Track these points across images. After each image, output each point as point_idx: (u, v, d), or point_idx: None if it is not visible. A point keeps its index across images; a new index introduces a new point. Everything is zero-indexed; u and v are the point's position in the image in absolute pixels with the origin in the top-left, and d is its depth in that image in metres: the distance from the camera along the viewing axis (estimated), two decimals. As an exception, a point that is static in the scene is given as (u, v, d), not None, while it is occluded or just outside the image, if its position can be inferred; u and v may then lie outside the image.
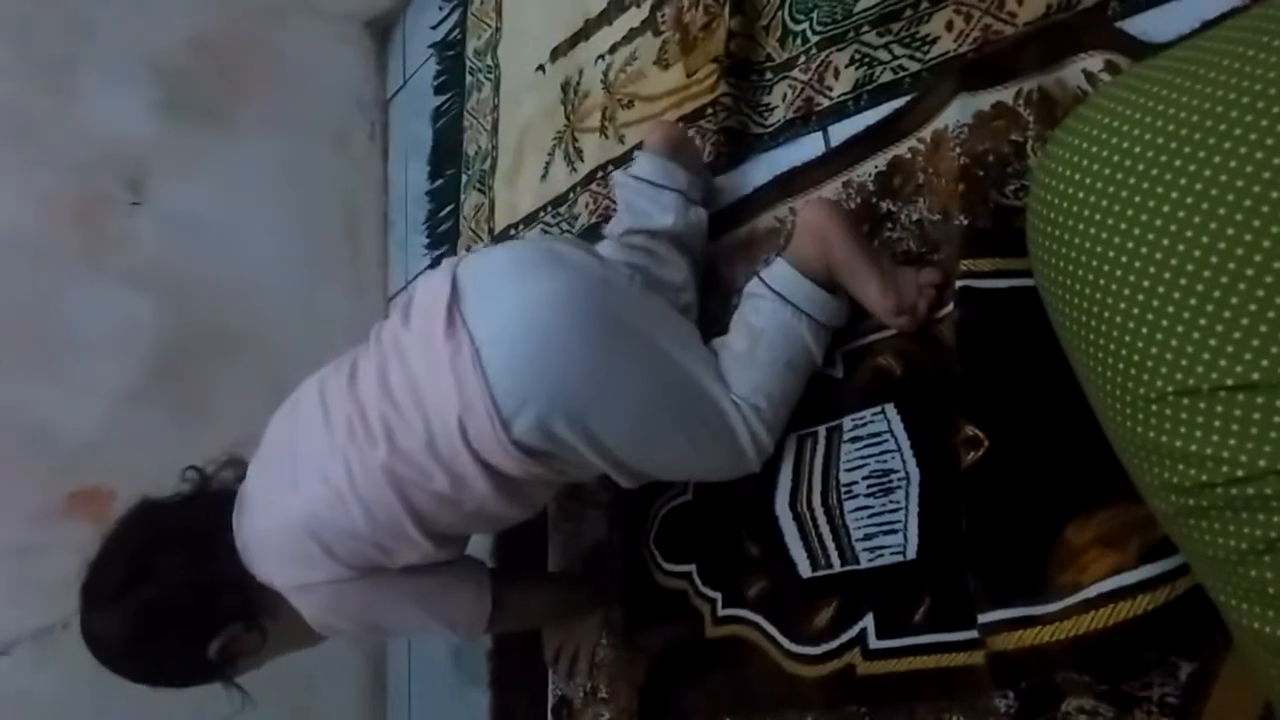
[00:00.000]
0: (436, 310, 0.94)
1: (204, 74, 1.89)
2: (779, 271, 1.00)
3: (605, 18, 1.46)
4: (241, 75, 1.95)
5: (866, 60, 1.06)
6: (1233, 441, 0.46)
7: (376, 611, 1.07)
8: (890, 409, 0.96)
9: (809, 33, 1.12)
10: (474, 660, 1.50)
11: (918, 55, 1.01)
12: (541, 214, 1.53)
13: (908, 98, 1.01)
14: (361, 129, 2.14)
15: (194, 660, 1.05)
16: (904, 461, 0.93)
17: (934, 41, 1.00)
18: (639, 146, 1.24)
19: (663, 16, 1.34)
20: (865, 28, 1.06)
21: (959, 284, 0.85)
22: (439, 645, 1.62)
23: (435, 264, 1.82)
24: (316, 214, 2.00)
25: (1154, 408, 0.49)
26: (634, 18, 1.41)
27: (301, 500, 0.98)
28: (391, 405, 0.95)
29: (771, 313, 0.99)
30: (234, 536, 1.03)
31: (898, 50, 1.03)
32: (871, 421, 0.97)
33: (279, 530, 1.00)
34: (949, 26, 0.99)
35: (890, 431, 0.96)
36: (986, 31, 0.96)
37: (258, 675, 1.32)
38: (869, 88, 1.05)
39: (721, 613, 1.08)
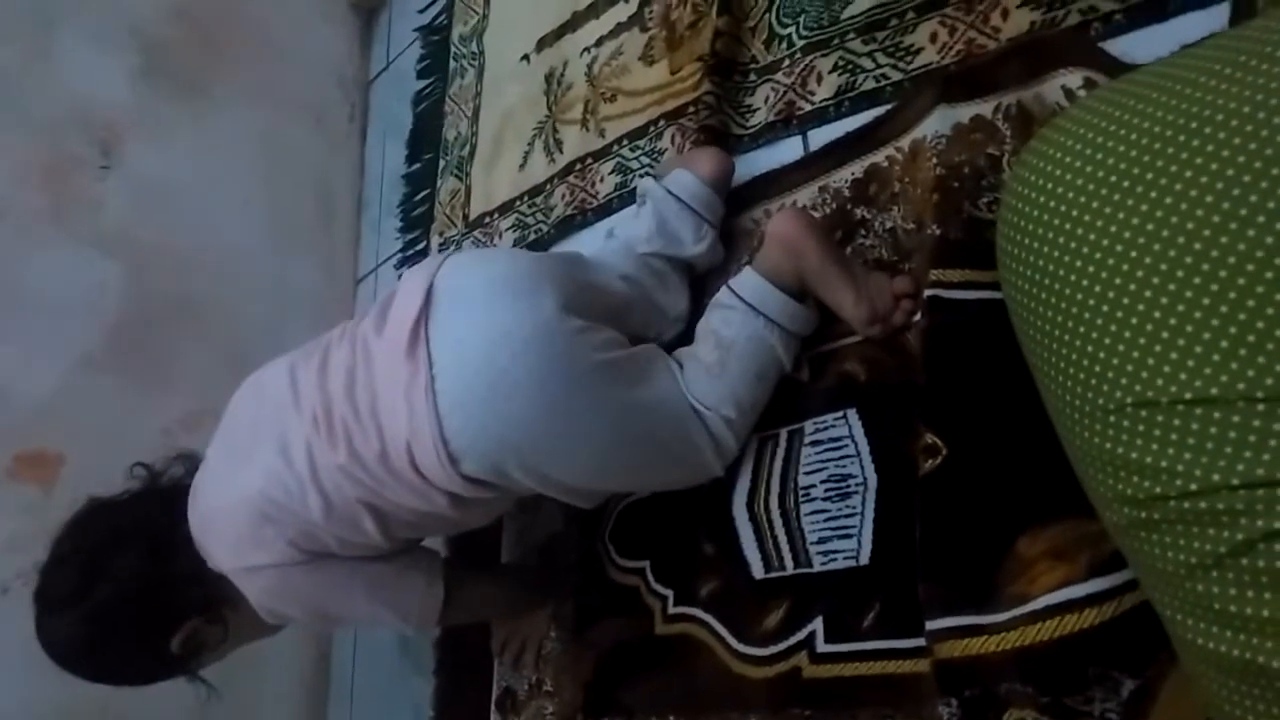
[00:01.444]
0: (405, 323, 0.92)
1: (185, 43, 1.86)
2: (749, 281, 0.99)
3: (593, 11, 1.46)
4: (223, 47, 1.93)
5: (850, 67, 1.06)
6: (1188, 455, 0.46)
7: (325, 598, 1.04)
8: (852, 414, 0.96)
9: (795, 36, 1.12)
10: (419, 648, 1.48)
11: (900, 65, 1.02)
12: (517, 203, 1.52)
13: (888, 106, 1.01)
14: (341, 108, 2.12)
15: (156, 657, 1.04)
16: (863, 467, 0.94)
17: (917, 52, 1.01)
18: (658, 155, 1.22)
19: (650, 13, 1.34)
20: (851, 35, 1.07)
21: (928, 293, 0.86)
22: (385, 631, 1.60)
23: (407, 248, 1.80)
24: (290, 191, 1.98)
25: (1112, 419, 0.49)
26: (621, 12, 1.40)
27: (259, 475, 0.96)
28: (353, 411, 0.93)
29: (742, 324, 0.99)
30: (189, 528, 1.01)
31: (881, 59, 1.03)
32: (833, 426, 0.97)
33: (232, 507, 0.98)
34: (933, 38, 0.99)
35: (851, 436, 0.96)
36: (970, 45, 0.96)
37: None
38: (850, 94, 1.05)
39: (672, 610, 1.07)
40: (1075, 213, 0.52)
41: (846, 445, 0.96)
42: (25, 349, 1.54)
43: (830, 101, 1.07)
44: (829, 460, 0.97)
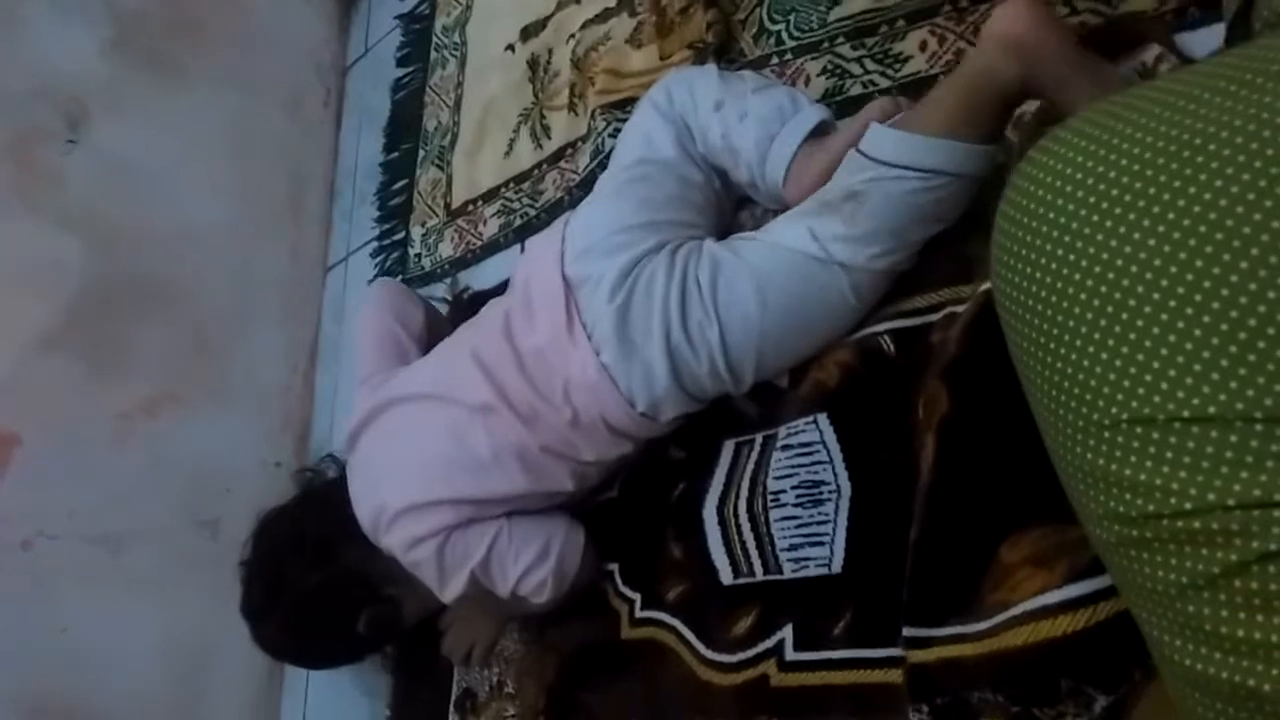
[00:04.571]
0: (557, 310, 0.98)
1: (160, 18, 1.83)
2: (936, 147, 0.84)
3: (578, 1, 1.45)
4: (198, 24, 1.89)
5: (838, 71, 1.06)
6: (1183, 473, 0.45)
7: (498, 546, 1.05)
8: (823, 419, 0.95)
9: (785, 35, 1.12)
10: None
11: (889, 72, 1.01)
12: (503, 190, 1.51)
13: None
14: (316, 94, 2.09)
15: (352, 643, 1.22)
16: (835, 474, 0.92)
17: (906, 60, 1.00)
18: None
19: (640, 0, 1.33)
20: (840, 39, 1.06)
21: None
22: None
23: (384, 237, 1.77)
24: (260, 175, 1.95)
25: (1106, 434, 0.48)
26: (608, -1, 1.39)
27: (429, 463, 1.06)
28: (536, 394, 1.01)
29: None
30: (347, 524, 1.09)
31: (870, 65, 1.03)
32: (803, 430, 0.96)
33: (397, 494, 1.06)
34: (922, 46, 0.99)
35: (822, 442, 0.95)
36: (959, 55, 0.96)
37: (146, 656, 1.29)
38: (838, 99, 1.05)
39: (639, 614, 1.06)
40: (1074, 225, 0.51)
41: (818, 451, 0.95)
42: (-20, 325, 1.51)
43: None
44: (800, 465, 0.96)
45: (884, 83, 1.01)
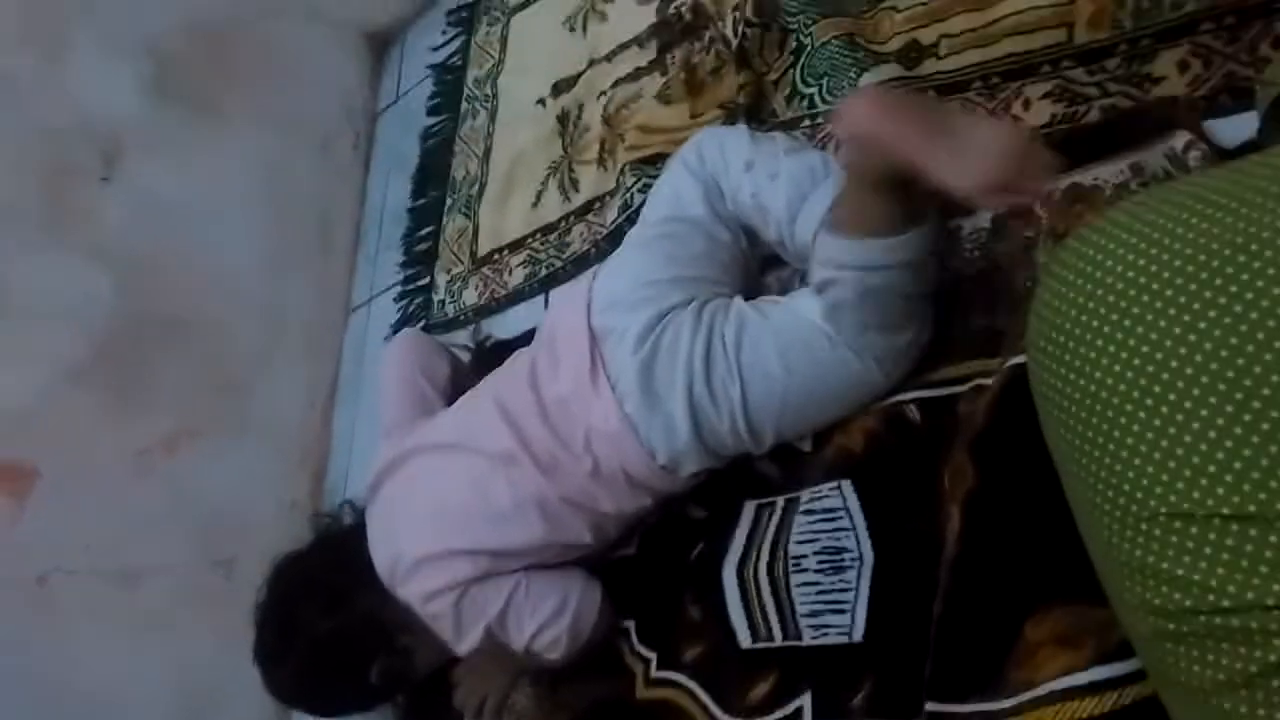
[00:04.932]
0: (581, 360, 1.00)
1: (197, 60, 1.86)
2: (842, 246, 0.88)
3: (612, 57, 1.47)
4: (234, 67, 1.92)
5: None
6: (1221, 570, 0.45)
7: (508, 607, 1.05)
8: (847, 485, 0.95)
9: (818, 99, 1.13)
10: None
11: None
12: (530, 240, 1.53)
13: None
14: (346, 138, 2.12)
15: (363, 691, 1.19)
16: (858, 541, 0.92)
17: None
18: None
19: (672, 58, 1.35)
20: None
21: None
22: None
23: (408, 283, 1.79)
24: (289, 216, 1.97)
25: (1144, 526, 0.49)
26: (640, 57, 1.42)
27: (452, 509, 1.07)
28: (558, 442, 1.02)
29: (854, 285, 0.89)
30: (361, 571, 1.10)
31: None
32: (827, 496, 0.96)
33: (415, 543, 1.07)
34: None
35: (846, 509, 0.95)
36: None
37: (156, 694, 1.29)
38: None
39: (655, 674, 1.05)
40: (1116, 317, 0.52)
41: (841, 517, 0.95)
42: (8, 356, 1.52)
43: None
44: (823, 531, 0.96)
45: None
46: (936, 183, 0.80)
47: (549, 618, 1.05)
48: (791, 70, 1.18)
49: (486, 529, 1.04)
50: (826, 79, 1.13)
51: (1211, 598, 0.45)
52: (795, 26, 1.15)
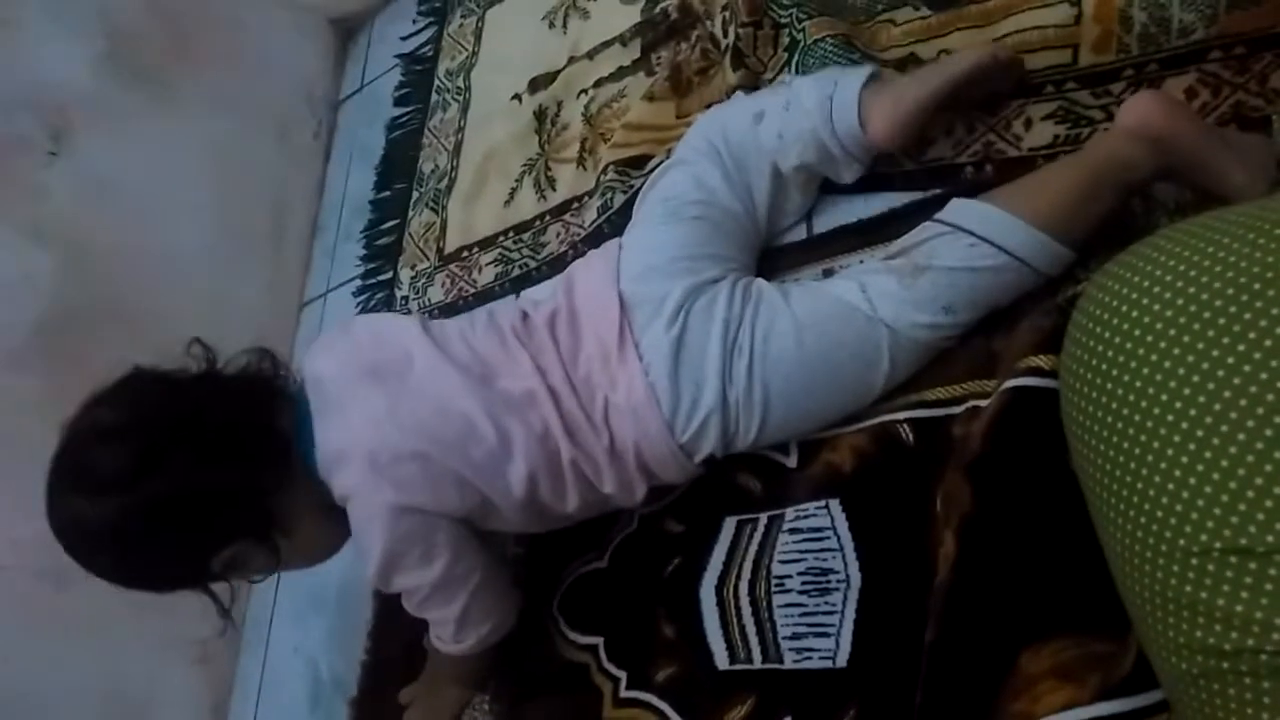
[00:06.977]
0: (610, 330, 0.94)
1: (154, 37, 1.78)
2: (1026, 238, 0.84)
3: (593, 55, 1.44)
4: (192, 46, 1.85)
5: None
6: (1286, 608, 0.43)
7: (452, 557, 0.96)
8: (835, 505, 0.93)
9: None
10: (331, 705, 1.39)
11: (917, 159, 1.01)
12: (501, 238, 1.48)
13: (904, 196, 1.00)
14: (307, 125, 2.05)
15: (189, 570, 0.95)
16: (845, 563, 0.90)
17: (930, 143, 1.00)
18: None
19: (657, 58, 1.32)
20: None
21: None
22: (297, 681, 1.50)
23: (368, 276, 1.73)
24: (243, 203, 1.89)
25: (1194, 561, 0.46)
26: (624, 56, 1.39)
27: (464, 426, 0.93)
28: (581, 411, 0.96)
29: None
30: (283, 433, 0.93)
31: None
32: (814, 515, 0.94)
33: (415, 447, 0.92)
34: (948, 132, 0.99)
35: (833, 529, 0.92)
36: (987, 147, 0.96)
37: (83, 700, 1.23)
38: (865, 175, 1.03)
39: (624, 694, 1.01)
40: (1164, 344, 0.50)
41: (828, 538, 0.92)
42: (-64, 336, 1.43)
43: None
44: (808, 551, 0.93)
45: (908, 164, 1.01)
46: (1221, 189, 0.78)
47: (441, 577, 0.96)
48: (787, 70, 1.15)
49: (487, 466, 0.94)
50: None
51: (1275, 636, 0.43)
52: (787, 21, 1.13)
